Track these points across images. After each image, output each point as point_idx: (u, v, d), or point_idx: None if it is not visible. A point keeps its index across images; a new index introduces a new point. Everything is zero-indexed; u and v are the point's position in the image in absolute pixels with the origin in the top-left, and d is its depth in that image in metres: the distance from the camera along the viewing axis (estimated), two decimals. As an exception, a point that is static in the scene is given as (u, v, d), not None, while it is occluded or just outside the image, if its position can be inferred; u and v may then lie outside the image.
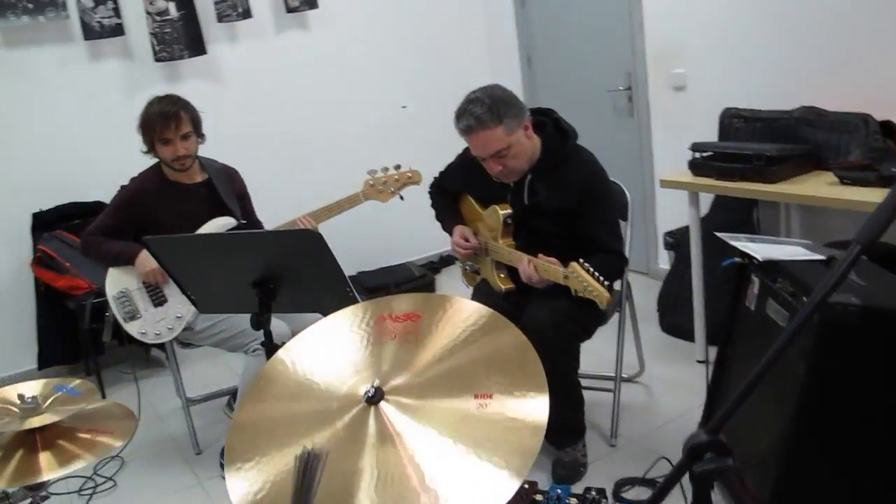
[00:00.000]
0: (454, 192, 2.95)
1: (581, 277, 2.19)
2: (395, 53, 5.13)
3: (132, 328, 3.03)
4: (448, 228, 2.92)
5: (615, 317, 2.95)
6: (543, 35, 5.02)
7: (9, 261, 4.19)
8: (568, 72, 4.88)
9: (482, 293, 2.81)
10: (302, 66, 4.83)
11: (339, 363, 1.51)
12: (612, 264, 2.59)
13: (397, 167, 3.05)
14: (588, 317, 2.59)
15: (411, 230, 4.45)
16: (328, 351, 1.56)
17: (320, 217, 3.04)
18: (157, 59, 4.33)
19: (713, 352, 3.40)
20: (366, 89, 5.05)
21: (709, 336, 3.44)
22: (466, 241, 2.77)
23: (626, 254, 2.85)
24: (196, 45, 4.40)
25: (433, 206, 3.04)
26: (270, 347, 2.29)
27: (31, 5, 4.01)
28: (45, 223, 4.17)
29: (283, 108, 4.80)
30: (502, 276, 2.71)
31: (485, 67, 5.40)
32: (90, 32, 4.15)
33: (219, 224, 3.09)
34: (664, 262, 4.47)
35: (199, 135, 3.08)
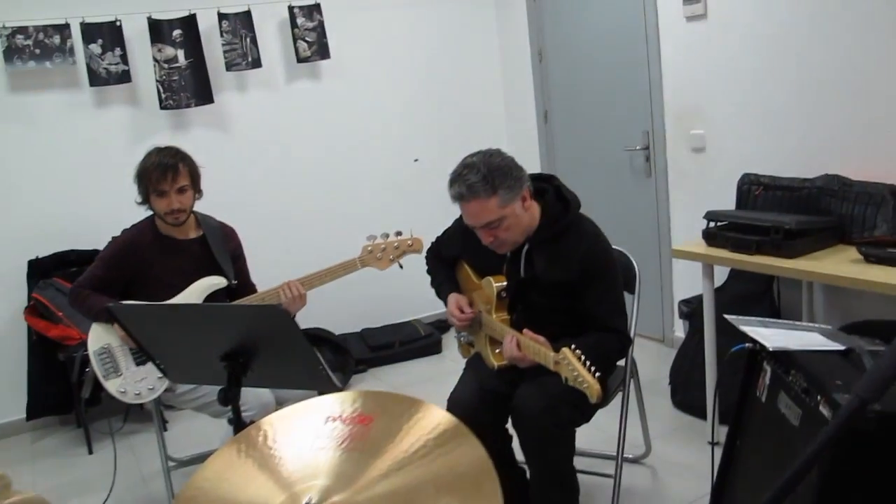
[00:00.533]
0: (452, 258, 2.80)
1: (572, 366, 2.01)
2: (408, 106, 5.03)
3: (112, 386, 2.88)
4: (443, 296, 2.76)
5: (619, 394, 2.75)
6: (561, 89, 4.89)
7: (3, 308, 4.10)
8: (585, 128, 4.73)
9: (475, 368, 2.64)
10: (312, 117, 4.75)
11: (278, 471, 1.34)
12: (611, 344, 2.41)
13: (398, 234, 2.90)
14: (586, 399, 2.39)
15: (418, 287, 4.22)
16: (265, 457, 1.39)
17: (313, 283, 2.90)
18: (164, 107, 4.26)
19: (723, 431, 3.23)
20: (377, 142, 4.95)
21: (721, 415, 3.22)
22: (462, 310, 2.61)
23: (631, 332, 2.67)
24: (203, 94, 4.32)
25: (429, 272, 2.89)
26: (238, 425, 2.13)
27: (38, 51, 3.97)
28: (42, 270, 4.08)
29: (290, 159, 4.72)
30: (497, 351, 2.53)
31: (500, 121, 5.28)
32: (96, 79, 4.10)
33: (207, 284, 2.96)
34: (680, 329, 4.26)
35: (197, 190, 2.97)
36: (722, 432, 3.20)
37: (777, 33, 3.39)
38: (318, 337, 4.50)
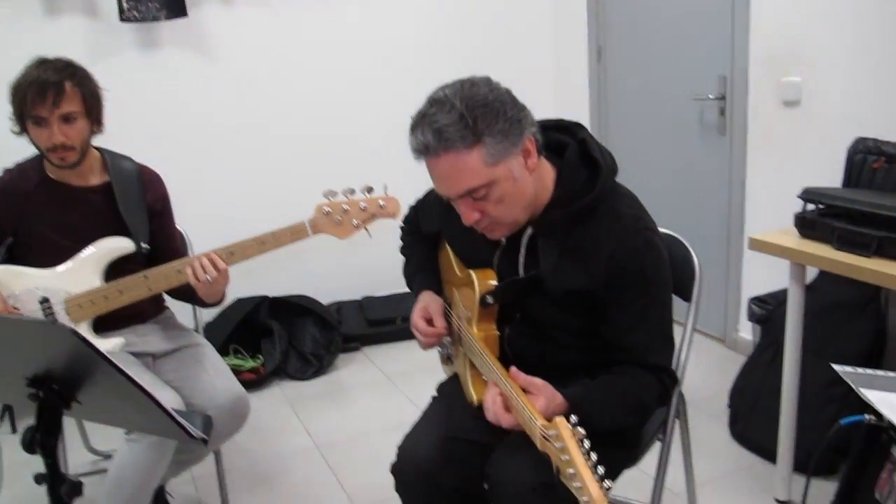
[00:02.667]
0: (430, 235, 1.98)
1: (567, 454, 1.18)
2: (434, 38, 4.11)
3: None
4: (416, 290, 1.95)
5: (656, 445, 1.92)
6: (620, 23, 3.96)
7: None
8: (646, 71, 3.81)
9: (445, 403, 1.83)
10: (313, 47, 3.89)
11: None
12: (648, 391, 1.58)
13: (368, 190, 2.10)
14: (602, 463, 1.56)
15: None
16: None
17: (247, 253, 2.11)
18: (125, 19, 3.46)
19: (802, 486, 2.38)
20: (392, 81, 4.03)
21: (797, 462, 2.38)
22: (430, 322, 1.81)
23: (681, 358, 1.84)
24: (175, 4, 3.51)
25: (403, 251, 2.08)
26: (54, 488, 1.37)
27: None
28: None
29: (281, 94, 3.86)
30: (482, 378, 1.72)
31: (547, 59, 4.36)
32: (43, -22, 3.33)
33: (108, 248, 2.18)
34: (746, 330, 3.39)
35: (95, 121, 2.17)
36: (798, 487, 2.39)
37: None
38: (302, 307, 3.74)
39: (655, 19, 3.71)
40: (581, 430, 1.19)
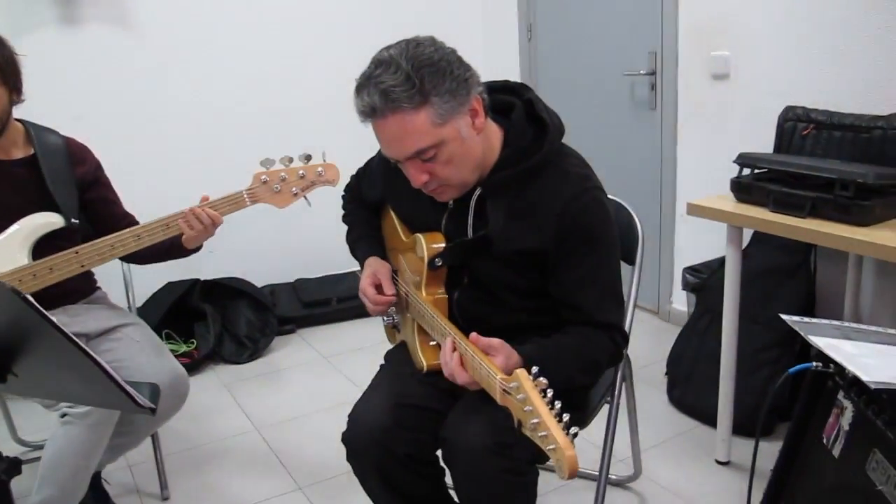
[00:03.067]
0: (374, 202, 1.95)
1: (531, 406, 1.17)
2: (365, 11, 4.08)
3: None
4: (360, 258, 1.92)
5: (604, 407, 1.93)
6: (550, 0, 3.97)
7: None
8: (577, 47, 3.83)
9: (395, 369, 1.81)
10: (243, 18, 3.79)
11: None
12: (600, 349, 1.58)
13: (306, 158, 2.05)
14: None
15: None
16: None
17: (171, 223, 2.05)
18: (43, -9, 3.32)
19: (741, 448, 2.44)
20: (321, 55, 3.98)
21: (735, 426, 2.44)
22: (378, 289, 1.79)
23: (627, 319, 1.86)
24: (95, -24, 3.38)
25: (345, 219, 2.05)
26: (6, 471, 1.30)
27: None
28: None
29: (210, 68, 3.75)
30: (430, 344, 1.70)
31: (477, 37, 4.34)
32: (-51, -54, 3.14)
33: (35, 224, 2.08)
34: (680, 301, 3.46)
35: (13, 88, 2.05)
36: (737, 449, 2.45)
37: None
38: (236, 290, 3.65)
39: (586, -4, 3.74)
40: (543, 381, 1.18)
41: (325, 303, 3.84)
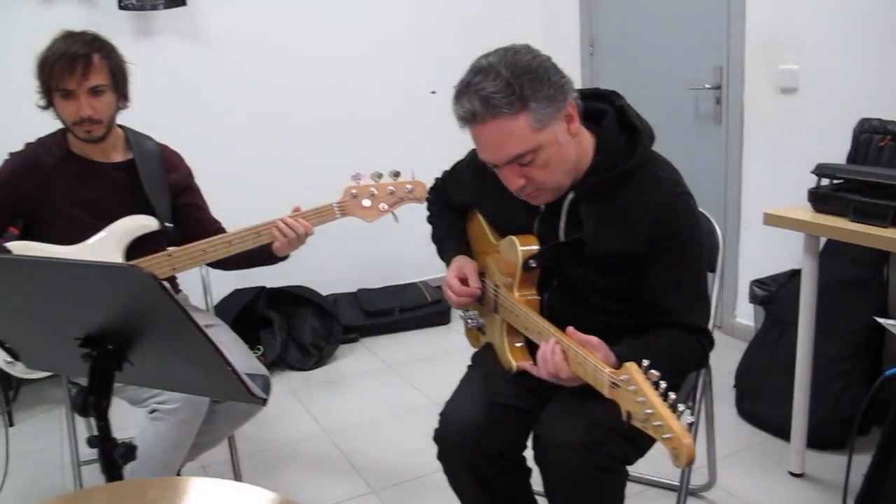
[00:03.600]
0: (461, 205, 2.00)
1: (643, 397, 1.20)
2: (429, 26, 4.15)
3: (-1, 355, 2.12)
4: (446, 257, 1.97)
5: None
6: (613, 14, 4.01)
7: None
8: (640, 62, 3.86)
9: (484, 369, 1.84)
10: (312, 32, 3.89)
11: None
12: (689, 352, 1.61)
13: (395, 175, 2.11)
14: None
15: (427, 243, 3.50)
16: None
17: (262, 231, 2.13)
18: (123, 7, 3.45)
19: (813, 460, 2.43)
20: (388, 68, 4.09)
21: (809, 438, 2.43)
22: (464, 282, 1.83)
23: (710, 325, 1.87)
24: (174, -8, 3.50)
25: (430, 220, 2.10)
26: (107, 451, 1.36)
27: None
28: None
29: (281, 81, 3.87)
30: (518, 345, 1.74)
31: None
32: (39, -35, 3.29)
33: (133, 225, 2.17)
34: (745, 316, 3.45)
35: (122, 95, 2.15)
36: (810, 461, 2.44)
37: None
38: (301, 298, 3.72)
39: (649, 9, 3.76)
40: (655, 373, 1.21)
41: (387, 312, 3.89)
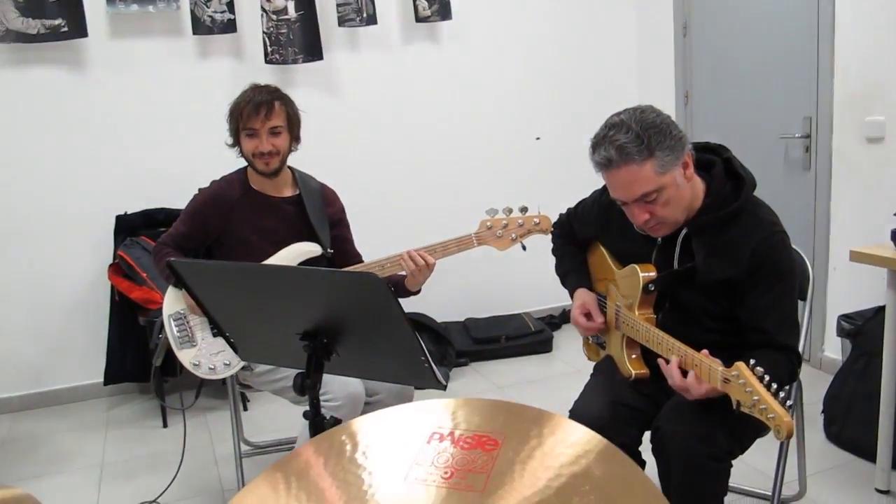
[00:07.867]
0: (584, 239, 2.33)
1: (750, 386, 1.51)
2: (532, 78, 4.57)
3: (185, 356, 2.54)
4: (570, 287, 2.30)
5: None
6: (706, 68, 4.33)
7: (88, 262, 3.87)
8: (733, 112, 4.16)
9: (605, 375, 2.16)
10: (427, 83, 4.35)
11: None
12: (782, 368, 1.89)
13: (523, 210, 2.45)
14: (747, 426, 1.87)
15: (530, 276, 3.85)
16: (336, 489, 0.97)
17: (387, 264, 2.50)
18: (269, 62, 3.94)
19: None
20: (496, 115, 4.51)
21: (893, 459, 2.65)
22: (588, 316, 2.17)
23: (800, 348, 2.15)
24: (312, 50, 3.98)
25: (554, 252, 2.43)
26: (316, 421, 1.73)
27: (142, -7, 3.69)
28: (129, 227, 3.83)
29: (401, 127, 4.32)
30: (634, 356, 2.06)
31: (633, 101, 4.71)
32: (200, 27, 3.80)
33: (300, 251, 2.59)
34: (833, 349, 3.67)
35: (295, 136, 2.61)
36: (894, 481, 2.66)
37: None
38: (419, 323, 4.09)
39: (741, 62, 4.06)
40: (760, 369, 1.52)
41: (495, 340, 4.22)
